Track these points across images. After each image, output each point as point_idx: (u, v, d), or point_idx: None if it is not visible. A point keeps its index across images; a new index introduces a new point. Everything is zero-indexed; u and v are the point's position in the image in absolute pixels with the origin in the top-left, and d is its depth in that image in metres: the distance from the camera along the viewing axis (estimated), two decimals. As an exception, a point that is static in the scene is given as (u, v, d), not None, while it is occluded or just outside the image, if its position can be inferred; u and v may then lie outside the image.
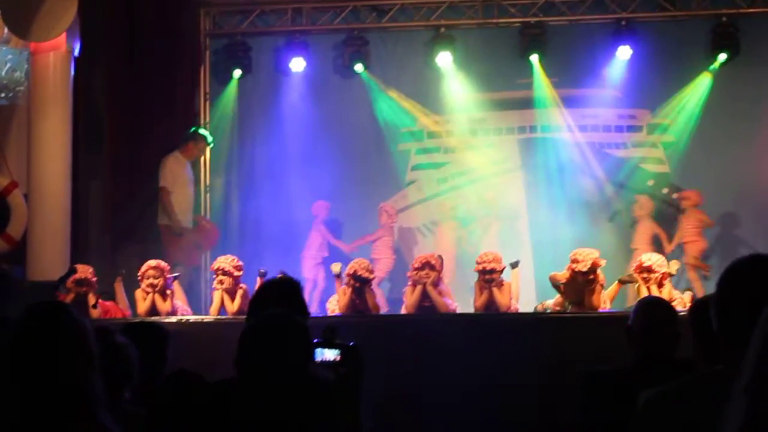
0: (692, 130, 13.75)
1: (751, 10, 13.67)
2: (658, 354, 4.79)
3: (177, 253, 12.26)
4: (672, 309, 5.13)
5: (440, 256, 11.15)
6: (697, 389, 2.72)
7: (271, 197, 13.91)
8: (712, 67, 13.68)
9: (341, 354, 4.23)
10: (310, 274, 13.27)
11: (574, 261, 10.26)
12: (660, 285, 10.17)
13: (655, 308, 5.04)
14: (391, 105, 14.25)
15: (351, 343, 4.32)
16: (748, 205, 13.66)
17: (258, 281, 10.36)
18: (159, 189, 12.50)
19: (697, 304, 4.43)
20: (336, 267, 11.16)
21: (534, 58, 13.88)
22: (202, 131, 13.12)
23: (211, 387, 4.10)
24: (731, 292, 2.69)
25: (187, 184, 12.74)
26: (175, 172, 12.64)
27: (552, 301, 10.98)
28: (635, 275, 10.42)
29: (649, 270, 10.20)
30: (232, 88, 14.22)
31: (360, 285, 10.43)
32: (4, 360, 2.90)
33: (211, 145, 13.37)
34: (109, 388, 3.01)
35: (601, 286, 10.39)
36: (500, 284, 10.60)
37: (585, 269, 10.15)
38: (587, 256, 10.29)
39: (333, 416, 3.81)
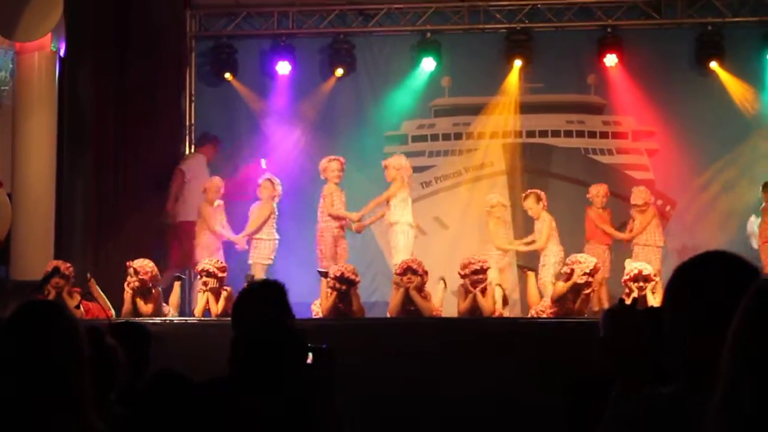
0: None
1: (736, 19, 13.73)
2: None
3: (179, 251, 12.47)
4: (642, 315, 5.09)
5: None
6: (674, 400, 2.63)
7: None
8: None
9: (313, 356, 4.20)
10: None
11: (576, 262, 10.32)
12: (653, 292, 10.18)
13: (624, 317, 4.99)
14: (377, 109, 14.26)
15: (324, 346, 4.29)
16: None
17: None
18: (175, 170, 12.70)
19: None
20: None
21: (516, 64, 13.92)
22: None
23: (195, 387, 4.10)
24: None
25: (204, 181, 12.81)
26: (197, 163, 13.04)
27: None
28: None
29: (646, 279, 10.23)
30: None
31: (345, 288, 10.40)
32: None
33: None
34: (96, 388, 3.02)
35: (594, 292, 10.49)
36: (484, 289, 10.59)
37: (588, 270, 10.20)
38: (588, 259, 10.48)
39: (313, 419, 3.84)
